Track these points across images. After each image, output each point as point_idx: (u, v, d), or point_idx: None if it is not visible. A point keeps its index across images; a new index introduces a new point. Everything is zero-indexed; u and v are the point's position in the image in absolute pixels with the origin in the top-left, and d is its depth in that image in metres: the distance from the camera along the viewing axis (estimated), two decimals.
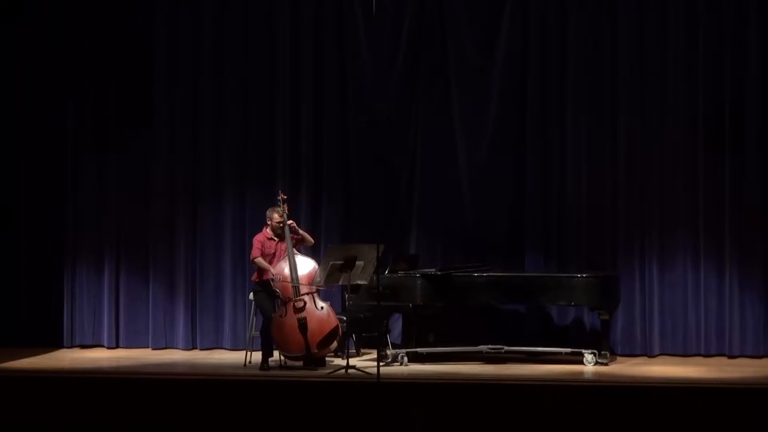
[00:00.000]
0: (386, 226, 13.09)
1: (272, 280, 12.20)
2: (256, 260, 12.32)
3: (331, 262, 11.91)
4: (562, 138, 13.38)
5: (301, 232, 12.50)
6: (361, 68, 13.70)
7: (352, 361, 11.90)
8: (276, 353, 12.30)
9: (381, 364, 11.35)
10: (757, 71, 12.98)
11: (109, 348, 13.93)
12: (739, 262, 12.97)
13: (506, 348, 12.41)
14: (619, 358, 12.88)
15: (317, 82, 13.80)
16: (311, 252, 12.91)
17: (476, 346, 12.46)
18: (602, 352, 12.30)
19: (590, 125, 13.32)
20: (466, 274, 12.61)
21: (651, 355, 13.04)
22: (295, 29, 13.82)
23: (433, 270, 12.67)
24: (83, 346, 14.01)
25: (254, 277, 12.43)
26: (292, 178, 13.74)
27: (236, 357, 12.97)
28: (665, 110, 13.18)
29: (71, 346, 14.00)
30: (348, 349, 12.21)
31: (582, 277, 12.35)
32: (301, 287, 12.18)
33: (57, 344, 13.94)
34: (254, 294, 12.44)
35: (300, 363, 12.18)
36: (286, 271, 12.24)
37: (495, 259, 13.22)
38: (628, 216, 13.23)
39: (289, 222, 12.41)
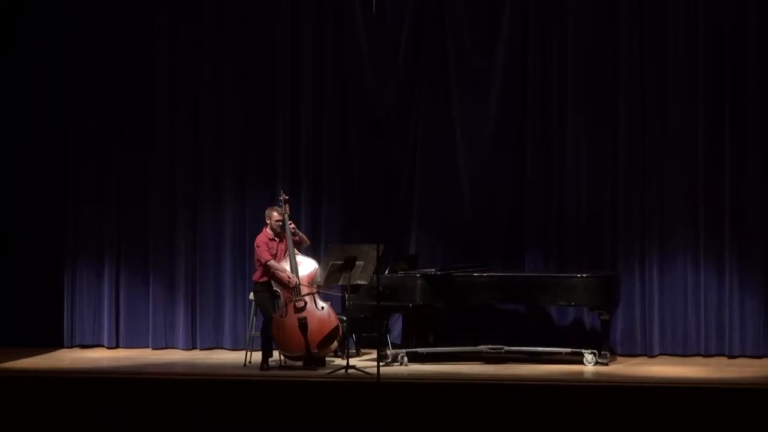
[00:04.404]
0: (386, 226, 13.08)
1: (290, 284, 12.14)
2: (269, 264, 12.21)
3: (331, 262, 11.91)
4: (562, 138, 13.37)
5: (300, 234, 12.49)
6: (361, 68, 13.69)
7: (352, 361, 11.90)
8: (276, 353, 12.30)
9: (381, 364, 11.34)
10: (758, 70, 12.95)
11: (109, 348, 13.93)
12: (739, 262, 12.96)
13: (506, 348, 12.40)
14: (619, 358, 12.88)
15: (317, 82, 13.80)
16: (311, 252, 12.90)
17: (476, 346, 12.46)
18: (602, 352, 12.29)
19: (590, 125, 13.32)
20: (466, 274, 12.60)
21: (651, 355, 13.03)
22: (295, 29, 13.82)
23: (433, 270, 12.66)
24: (83, 346, 14.01)
25: (256, 276, 12.41)
26: (292, 178, 13.74)
27: (236, 357, 12.97)
28: (665, 110, 13.16)
29: (71, 346, 14.00)
30: (348, 349, 12.21)
31: (582, 277, 12.34)
32: (301, 287, 12.18)
33: (57, 344, 13.93)
34: (255, 293, 12.41)
35: (300, 363, 12.18)
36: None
37: (495, 259, 13.23)
38: (628, 216, 13.22)
39: (289, 224, 12.39)
